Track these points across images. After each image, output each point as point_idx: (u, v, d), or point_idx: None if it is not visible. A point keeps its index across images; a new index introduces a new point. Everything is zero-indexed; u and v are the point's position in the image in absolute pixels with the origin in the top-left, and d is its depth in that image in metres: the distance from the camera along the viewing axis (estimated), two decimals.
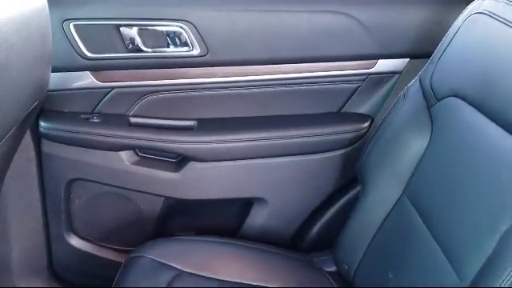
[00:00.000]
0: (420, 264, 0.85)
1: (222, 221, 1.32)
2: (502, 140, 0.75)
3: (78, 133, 1.15)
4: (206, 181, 1.23)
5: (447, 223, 0.81)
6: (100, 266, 1.32)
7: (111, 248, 1.33)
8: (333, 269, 1.15)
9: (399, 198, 0.98)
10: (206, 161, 1.20)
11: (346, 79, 1.19)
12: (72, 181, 1.22)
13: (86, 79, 1.15)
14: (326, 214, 1.27)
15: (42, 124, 1.15)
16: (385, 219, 1.00)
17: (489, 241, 0.68)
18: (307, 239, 1.29)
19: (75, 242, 1.31)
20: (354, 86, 1.20)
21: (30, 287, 1.34)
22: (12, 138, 0.94)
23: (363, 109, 1.22)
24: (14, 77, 0.77)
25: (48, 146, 1.18)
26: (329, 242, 1.19)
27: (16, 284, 1.32)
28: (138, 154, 1.21)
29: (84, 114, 1.18)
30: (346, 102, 1.22)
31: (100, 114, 1.18)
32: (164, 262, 1.07)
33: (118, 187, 1.23)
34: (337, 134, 1.20)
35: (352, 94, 1.21)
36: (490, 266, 0.64)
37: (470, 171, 0.79)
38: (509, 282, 0.59)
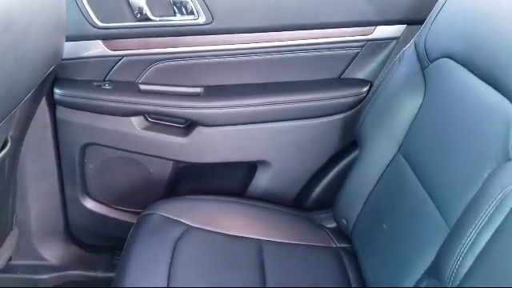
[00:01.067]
0: (411, 213, 0.91)
1: (228, 183, 1.38)
2: (487, 95, 0.80)
3: (91, 99, 1.22)
4: (213, 145, 1.29)
5: (437, 174, 0.87)
6: (113, 226, 1.40)
7: (123, 210, 1.41)
8: (333, 225, 1.23)
9: (394, 156, 1.04)
10: (213, 126, 1.26)
11: (345, 45, 1.24)
12: (86, 145, 1.29)
13: (98, 48, 1.21)
14: (327, 175, 1.34)
15: (57, 91, 1.21)
16: (381, 176, 1.07)
17: (473, 187, 0.74)
18: (309, 199, 1.36)
19: (89, 204, 1.38)
20: (354, 52, 1.25)
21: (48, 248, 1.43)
22: (29, 103, 1.00)
23: (362, 74, 1.27)
24: (34, 40, 0.83)
25: (62, 113, 1.24)
26: (329, 201, 1.26)
27: (34, 244, 1.40)
28: (147, 120, 1.28)
29: (96, 81, 1.24)
30: (346, 67, 1.27)
31: (111, 82, 1.24)
32: (174, 218, 1.14)
33: (130, 151, 1.30)
34: (337, 98, 1.25)
35: (352, 60, 1.26)
36: (470, 207, 0.70)
37: (458, 125, 0.85)
38: (485, 221, 0.65)
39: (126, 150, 1.30)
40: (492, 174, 0.70)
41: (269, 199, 1.34)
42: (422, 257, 0.81)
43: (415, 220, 0.89)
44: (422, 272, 0.79)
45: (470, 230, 0.67)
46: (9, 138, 1.00)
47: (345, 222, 1.15)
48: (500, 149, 0.73)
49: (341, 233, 1.19)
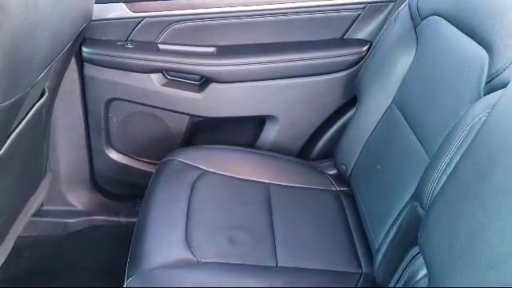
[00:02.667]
0: (401, 153, 1.04)
1: (239, 136, 1.51)
2: (467, 46, 0.91)
3: (115, 57, 1.34)
4: (225, 100, 1.42)
5: (423, 118, 0.99)
6: (134, 176, 1.54)
7: (144, 161, 1.55)
8: (333, 171, 1.36)
9: (389, 106, 1.17)
10: (225, 82, 1.38)
11: (347, 8, 1.35)
12: (110, 100, 1.42)
13: (121, 10, 1.33)
14: (329, 128, 1.46)
15: (85, 50, 1.34)
16: (377, 124, 1.19)
17: (450, 124, 0.86)
18: (313, 151, 1.49)
19: (113, 155, 1.52)
20: (355, 13, 1.36)
21: (75, 195, 1.57)
22: (63, 58, 1.13)
23: (363, 34, 1.38)
24: (71, 1, 0.95)
25: (89, 70, 1.37)
26: (331, 152, 1.39)
27: (63, 192, 1.55)
28: (166, 77, 1.40)
29: (119, 41, 1.36)
30: (348, 28, 1.38)
31: (133, 41, 1.37)
32: (191, 163, 1.28)
33: (149, 106, 1.43)
34: (339, 57, 1.37)
35: (353, 22, 1.37)
36: (446, 139, 0.82)
37: (442, 74, 0.97)
38: (456, 147, 0.77)
39: (146, 105, 1.43)
40: (466, 111, 0.82)
41: (276, 151, 1.46)
42: (408, 187, 0.93)
43: (404, 158, 1.02)
44: (407, 200, 0.92)
45: (445, 157, 0.79)
46: (46, 88, 1.13)
47: (344, 167, 1.28)
48: (474, 90, 0.84)
49: (340, 178, 1.32)
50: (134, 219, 1.20)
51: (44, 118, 1.20)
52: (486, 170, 0.68)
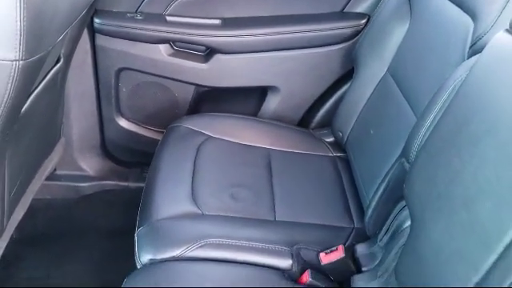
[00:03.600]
0: (393, 117, 1.11)
1: (242, 107, 1.58)
2: (455, 15, 0.98)
3: (125, 28, 1.41)
4: (229, 71, 1.49)
5: (413, 84, 1.06)
6: (142, 143, 1.62)
7: (151, 129, 1.63)
8: (331, 139, 1.43)
9: (383, 75, 1.23)
10: (229, 53, 1.45)
11: None
12: (120, 70, 1.49)
13: None
14: (328, 99, 1.53)
15: (96, 21, 1.41)
16: (372, 93, 1.26)
17: (437, 87, 0.93)
18: (312, 121, 1.56)
19: (123, 123, 1.60)
20: None
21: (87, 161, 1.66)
22: (78, 25, 1.20)
23: (362, 8, 1.44)
24: None
25: (101, 40, 1.44)
26: (330, 122, 1.46)
27: (75, 157, 1.64)
28: (173, 47, 1.47)
29: (129, 12, 1.43)
30: (348, 2, 1.44)
31: (142, 13, 1.43)
32: (196, 129, 1.35)
33: (157, 76, 1.50)
34: (338, 29, 1.43)
35: None
36: (432, 99, 0.89)
37: (432, 42, 1.04)
38: (440, 106, 0.84)
39: (154, 75, 1.50)
40: (450, 73, 0.88)
41: (277, 120, 1.54)
42: (397, 147, 1.00)
43: (394, 121, 1.09)
44: (396, 158, 0.99)
45: (430, 115, 0.86)
46: (61, 55, 1.21)
47: (341, 134, 1.35)
48: (459, 55, 0.91)
49: (337, 145, 1.39)
50: (142, 184, 1.28)
51: (59, 84, 1.27)
52: (462, 124, 0.75)
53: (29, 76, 0.84)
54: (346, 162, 1.33)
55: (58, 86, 1.26)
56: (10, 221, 1.11)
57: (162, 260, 0.96)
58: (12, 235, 1.22)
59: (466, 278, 0.64)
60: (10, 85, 0.78)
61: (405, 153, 0.93)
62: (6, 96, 0.78)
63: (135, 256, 0.99)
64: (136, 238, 1.03)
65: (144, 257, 0.97)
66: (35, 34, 0.77)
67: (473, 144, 0.71)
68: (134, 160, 1.69)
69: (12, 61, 0.75)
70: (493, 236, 0.61)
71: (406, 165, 0.91)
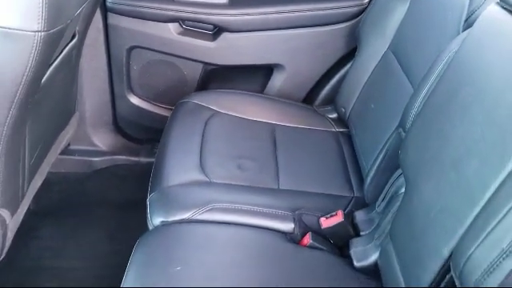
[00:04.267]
0: (392, 92, 1.16)
1: (248, 85, 1.63)
2: None
3: (136, 6, 1.47)
4: (236, 49, 1.54)
5: (412, 58, 1.11)
6: (153, 120, 1.68)
7: (161, 106, 1.68)
8: (334, 115, 1.48)
9: (385, 52, 1.28)
10: (236, 31, 1.50)
11: None
12: (131, 48, 1.55)
13: None
14: (332, 77, 1.58)
15: (109, 0, 1.46)
16: (374, 69, 1.31)
17: (433, 59, 0.98)
18: (316, 98, 1.61)
19: (134, 100, 1.66)
20: None
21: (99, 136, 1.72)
22: (91, 3, 1.25)
23: None
24: None
25: (113, 19, 1.50)
26: (333, 100, 1.51)
27: (89, 133, 1.70)
28: (182, 26, 1.52)
29: None
30: None
31: None
32: (204, 104, 1.41)
33: (167, 54, 1.55)
34: (342, 8, 1.48)
35: None
36: (428, 71, 0.94)
37: (431, 18, 1.08)
38: (434, 76, 0.89)
39: (164, 53, 1.56)
40: (446, 46, 0.93)
41: (282, 97, 1.59)
42: (395, 118, 1.05)
43: (394, 95, 1.14)
44: (394, 127, 1.04)
45: (425, 86, 0.92)
46: (76, 31, 1.26)
47: (343, 110, 1.40)
48: (455, 29, 0.96)
49: (340, 121, 1.45)
50: (153, 159, 1.34)
51: (74, 60, 1.33)
52: (453, 92, 0.80)
53: (49, 47, 0.90)
54: (348, 137, 1.38)
55: (73, 61, 1.32)
56: (29, 189, 1.18)
57: (172, 222, 1.02)
58: (29, 207, 1.29)
59: (452, 231, 0.69)
60: (32, 55, 0.84)
61: (402, 123, 0.98)
62: (29, 65, 0.84)
63: (147, 219, 1.06)
64: (148, 202, 1.09)
65: (156, 219, 1.03)
66: (56, 7, 0.83)
67: (462, 110, 0.77)
68: (145, 136, 1.76)
69: (35, 32, 0.81)
70: (477, 191, 0.67)
71: (403, 134, 0.97)
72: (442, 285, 0.72)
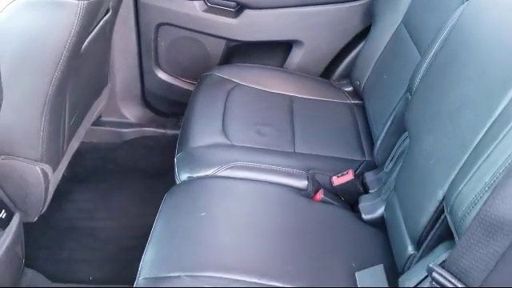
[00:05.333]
0: (403, 61, 1.23)
1: (268, 60, 1.71)
2: None
3: None
4: (258, 26, 1.62)
5: (421, 29, 1.18)
6: (178, 93, 1.78)
7: (186, 81, 1.79)
8: (350, 89, 1.56)
9: (398, 26, 1.35)
10: (258, 8, 1.59)
11: None
12: (159, 25, 1.65)
13: None
14: (349, 53, 1.65)
15: None
16: (387, 43, 1.38)
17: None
18: (334, 73, 1.69)
19: (161, 75, 1.77)
20: None
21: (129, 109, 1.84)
22: None
23: None
24: None
25: None
26: (349, 75, 1.59)
27: (119, 106, 1.82)
28: (206, 4, 1.61)
29: None
30: None
31: None
32: (227, 77, 1.51)
33: (192, 30, 1.65)
34: None
35: None
36: (434, 39, 1.01)
37: None
38: (439, 41, 0.96)
39: (190, 29, 1.65)
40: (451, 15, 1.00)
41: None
42: (404, 85, 1.13)
43: (404, 65, 1.21)
44: (403, 93, 1.12)
45: (430, 52, 0.99)
46: (110, 7, 1.37)
47: (358, 82, 1.48)
48: (459, 0, 1.03)
49: (355, 93, 1.52)
50: (178, 131, 1.44)
51: (107, 34, 1.44)
52: (453, 54, 0.88)
53: (89, 16, 1.00)
54: (362, 108, 1.46)
55: (106, 35, 1.43)
56: (67, 149, 1.30)
57: (197, 177, 1.13)
58: (64, 173, 1.41)
59: (446, 175, 0.78)
60: (76, 21, 0.95)
61: (409, 87, 1.06)
62: (73, 31, 0.95)
63: (175, 175, 1.17)
64: (176, 161, 1.20)
65: (182, 175, 1.14)
66: None
67: (460, 70, 0.84)
68: (171, 110, 1.86)
69: (78, 0, 0.92)
70: (468, 138, 0.75)
71: (409, 97, 1.05)
72: (437, 225, 0.81)
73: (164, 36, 1.69)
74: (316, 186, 1.13)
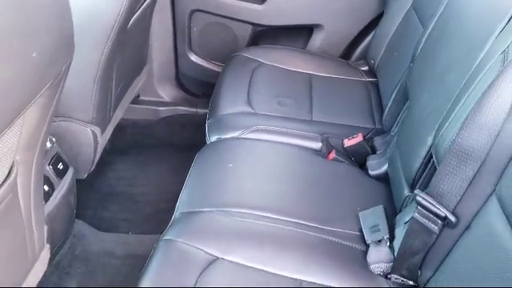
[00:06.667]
0: (410, 39, 1.36)
1: (291, 43, 1.86)
2: None
3: None
4: (282, 11, 1.78)
5: (427, 8, 1.31)
6: (208, 75, 1.95)
7: (216, 63, 1.96)
8: (365, 68, 1.70)
9: (408, 9, 1.48)
10: None
11: None
12: (192, 12, 1.83)
13: None
14: (366, 37, 1.79)
15: None
16: (398, 25, 1.51)
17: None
18: (352, 55, 1.83)
19: (194, 58, 1.94)
20: None
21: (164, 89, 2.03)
22: None
23: None
24: None
25: None
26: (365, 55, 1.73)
27: (155, 86, 2.00)
28: None
29: None
30: None
31: None
32: (252, 57, 1.67)
33: (222, 16, 1.82)
34: None
35: None
36: (432, 14, 1.14)
37: None
38: (436, 17, 1.10)
39: (219, 15, 1.82)
40: None
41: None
42: (410, 59, 1.26)
43: (411, 41, 1.34)
44: (408, 65, 1.25)
45: (429, 26, 1.13)
46: None
47: (373, 61, 1.62)
48: None
49: (371, 73, 1.66)
50: (207, 110, 1.61)
51: (147, 17, 1.62)
52: (446, 23, 1.02)
53: None
54: (376, 86, 1.59)
55: (146, 18, 1.62)
56: (113, 116, 1.49)
57: (225, 139, 1.29)
58: (105, 146, 1.60)
59: (435, 123, 0.91)
60: (125, 1, 1.12)
61: (412, 58, 1.20)
62: (123, 8, 1.13)
63: (206, 137, 1.34)
64: (206, 125, 1.37)
65: (212, 137, 1.31)
66: None
67: (450, 38, 0.98)
68: (202, 91, 2.03)
69: None
70: (452, 93, 0.89)
71: (411, 66, 1.18)
72: (427, 169, 0.94)
73: (196, 22, 1.86)
74: (329, 147, 1.28)
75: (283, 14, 1.78)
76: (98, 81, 1.23)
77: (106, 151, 1.63)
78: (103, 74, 1.23)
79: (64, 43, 0.72)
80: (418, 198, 0.81)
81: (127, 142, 1.97)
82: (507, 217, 0.69)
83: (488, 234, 0.73)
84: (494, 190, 0.74)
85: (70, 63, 0.79)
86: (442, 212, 0.79)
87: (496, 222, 0.71)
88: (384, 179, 1.19)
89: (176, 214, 1.05)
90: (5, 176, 0.80)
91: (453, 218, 0.78)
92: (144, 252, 1.05)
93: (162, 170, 1.86)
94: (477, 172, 0.75)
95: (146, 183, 1.82)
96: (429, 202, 0.80)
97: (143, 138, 1.99)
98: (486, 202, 0.75)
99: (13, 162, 0.81)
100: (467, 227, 0.78)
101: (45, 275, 1.10)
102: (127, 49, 1.41)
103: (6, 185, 0.80)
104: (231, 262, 0.90)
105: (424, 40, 1.13)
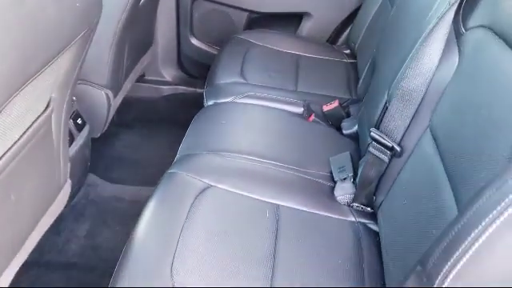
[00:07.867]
0: (383, 21, 1.57)
1: (283, 29, 2.08)
2: None
3: None
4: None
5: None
6: (207, 57, 2.15)
7: (215, 47, 2.16)
8: (347, 51, 1.91)
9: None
10: None
11: None
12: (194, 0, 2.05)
13: None
14: (349, 24, 2.00)
15: None
16: (375, 11, 1.72)
17: None
18: (337, 41, 2.04)
19: (195, 41, 2.15)
20: None
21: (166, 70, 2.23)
22: None
23: None
24: None
25: None
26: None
27: (159, 67, 2.21)
28: None
29: None
30: None
31: None
32: (246, 39, 1.88)
33: (220, 3, 2.03)
34: None
35: None
36: None
37: None
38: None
39: (218, 3, 2.03)
40: None
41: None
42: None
43: (384, 21, 1.55)
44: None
45: (396, 2, 1.34)
46: None
47: (353, 44, 1.83)
48: None
49: (352, 55, 1.87)
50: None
51: (155, 2, 1.83)
52: (405, 7, 1.22)
53: None
54: (356, 66, 1.80)
55: (154, 2, 1.83)
56: (123, 85, 1.69)
57: (220, 103, 1.50)
58: (113, 118, 1.79)
59: (392, 79, 1.12)
60: None
61: (382, 34, 1.41)
62: None
63: (204, 101, 1.54)
64: (204, 92, 1.58)
65: (209, 101, 1.52)
66: None
67: (407, 11, 1.19)
68: (200, 72, 2.23)
69: None
70: (406, 52, 1.09)
71: (379, 41, 1.39)
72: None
73: (197, 9, 2.08)
74: (310, 111, 1.48)
75: (276, 2, 2.00)
76: (113, 48, 1.44)
77: (113, 123, 1.83)
78: (118, 42, 1.44)
79: (96, 0, 0.92)
80: (372, 134, 1.02)
81: (133, 116, 2.17)
82: (435, 140, 0.90)
83: (423, 157, 0.93)
84: (429, 124, 0.94)
85: (99, 20, 0.99)
86: (390, 143, 0.99)
87: (427, 146, 0.92)
88: (355, 138, 1.39)
89: (178, 157, 1.26)
90: (43, 109, 1.00)
91: (398, 148, 0.99)
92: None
93: (163, 141, 2.06)
94: (416, 110, 0.96)
95: (149, 150, 2.03)
96: (380, 136, 1.00)
97: (147, 113, 2.20)
98: (423, 134, 0.96)
99: (50, 98, 1.01)
100: (409, 156, 0.98)
101: (62, 215, 1.30)
102: (137, 26, 1.62)
103: (44, 116, 1.00)
104: (221, 188, 1.10)
105: (390, 17, 1.34)
